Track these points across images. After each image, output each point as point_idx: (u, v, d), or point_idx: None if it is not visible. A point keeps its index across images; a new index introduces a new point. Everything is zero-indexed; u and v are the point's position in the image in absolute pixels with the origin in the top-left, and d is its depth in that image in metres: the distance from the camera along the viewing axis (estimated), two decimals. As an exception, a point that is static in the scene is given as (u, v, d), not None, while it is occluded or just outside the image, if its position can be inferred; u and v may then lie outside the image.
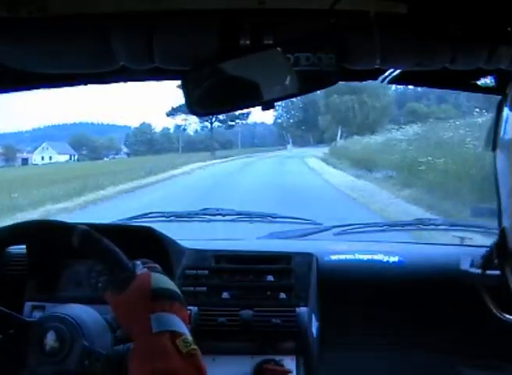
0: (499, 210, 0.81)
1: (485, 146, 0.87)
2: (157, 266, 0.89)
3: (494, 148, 0.81)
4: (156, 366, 0.75)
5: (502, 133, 0.80)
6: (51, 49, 0.98)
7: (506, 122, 0.79)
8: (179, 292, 0.87)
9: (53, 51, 0.98)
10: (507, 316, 0.95)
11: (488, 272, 0.92)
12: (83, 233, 0.88)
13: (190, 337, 0.80)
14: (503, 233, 0.81)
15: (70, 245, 0.88)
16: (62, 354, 0.89)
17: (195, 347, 0.79)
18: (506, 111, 0.80)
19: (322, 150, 28.70)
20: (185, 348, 0.77)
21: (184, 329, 0.80)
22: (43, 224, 0.95)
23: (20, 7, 0.91)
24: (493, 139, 0.81)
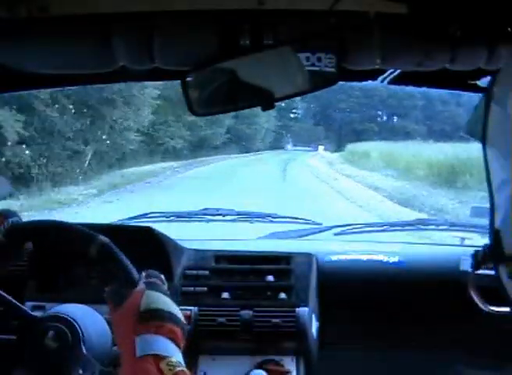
0: (491, 208, 0.78)
1: (470, 134, 0.85)
2: (157, 281, 0.86)
3: (483, 139, 0.79)
4: None
5: (490, 128, 0.78)
6: (51, 49, 0.98)
7: (494, 117, 0.78)
8: (174, 311, 0.83)
9: (53, 51, 0.98)
10: (494, 308, 0.93)
11: (480, 271, 0.90)
12: (103, 245, 0.85)
13: (175, 359, 0.77)
14: (496, 235, 0.78)
15: (86, 254, 0.86)
16: (59, 357, 0.89)
17: (181, 368, 0.77)
18: (493, 107, 0.78)
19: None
20: (169, 372, 0.75)
21: (171, 351, 0.78)
22: (65, 226, 0.92)
23: (20, 7, 0.91)
24: (482, 133, 0.79)
